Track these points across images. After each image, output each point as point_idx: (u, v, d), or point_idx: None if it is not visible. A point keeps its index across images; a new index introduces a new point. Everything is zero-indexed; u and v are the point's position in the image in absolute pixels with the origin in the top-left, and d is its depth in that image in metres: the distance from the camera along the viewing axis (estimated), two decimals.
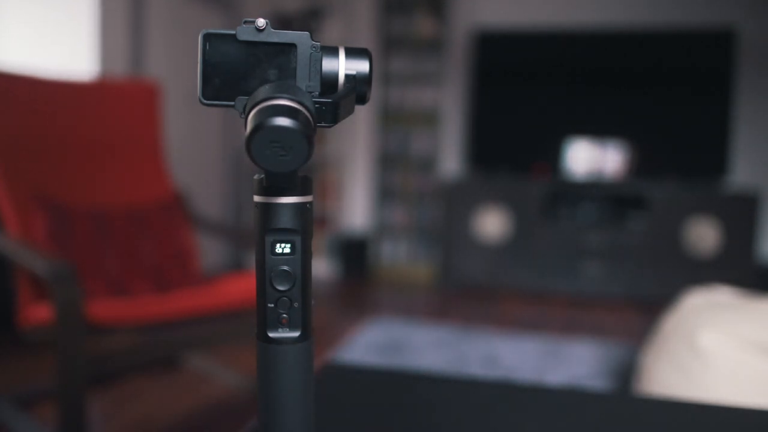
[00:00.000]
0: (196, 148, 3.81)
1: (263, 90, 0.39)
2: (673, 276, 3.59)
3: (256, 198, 0.44)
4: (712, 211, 3.52)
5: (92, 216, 1.88)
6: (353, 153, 4.42)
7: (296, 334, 0.45)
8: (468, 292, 3.87)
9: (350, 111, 0.43)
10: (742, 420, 0.70)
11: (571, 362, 2.49)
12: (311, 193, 0.45)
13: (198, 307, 1.61)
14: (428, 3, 4.14)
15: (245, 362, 2.36)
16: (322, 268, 4.36)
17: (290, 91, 0.38)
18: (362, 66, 0.43)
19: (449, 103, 4.29)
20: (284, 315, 0.45)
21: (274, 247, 0.44)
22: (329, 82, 0.43)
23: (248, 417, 1.91)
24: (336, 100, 0.41)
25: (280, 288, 0.45)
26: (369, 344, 2.63)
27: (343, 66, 0.43)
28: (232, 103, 0.42)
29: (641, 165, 3.81)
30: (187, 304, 1.61)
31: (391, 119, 4.26)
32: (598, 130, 3.89)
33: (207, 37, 0.41)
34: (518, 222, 3.78)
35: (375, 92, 4.26)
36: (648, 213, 3.61)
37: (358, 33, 4.25)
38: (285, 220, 0.44)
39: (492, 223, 3.79)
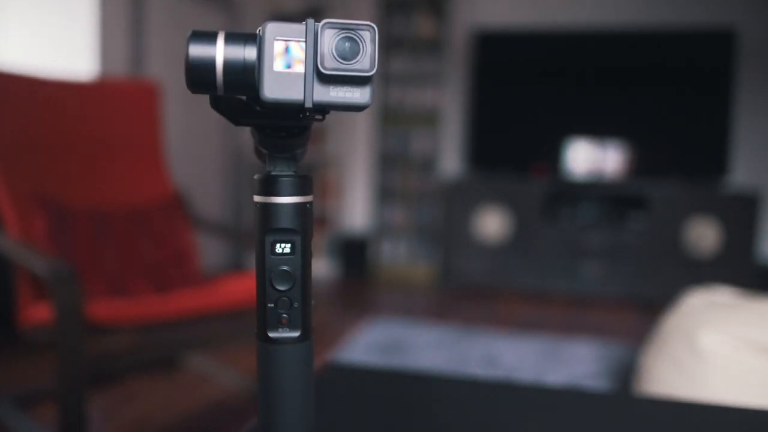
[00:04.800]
0: (196, 148, 3.81)
1: None
2: (673, 276, 3.59)
3: (256, 198, 0.44)
4: (712, 211, 3.52)
5: (92, 216, 1.88)
6: (353, 153, 4.42)
7: (296, 334, 0.45)
8: (468, 292, 3.86)
9: None
10: (742, 420, 0.70)
11: (571, 362, 2.49)
12: (311, 193, 0.46)
13: (198, 307, 1.61)
14: (428, 3, 4.14)
15: (245, 362, 2.36)
16: (322, 268, 4.36)
17: None
18: None
19: (449, 103, 4.29)
20: (284, 315, 0.45)
21: (274, 247, 0.44)
22: None
23: (248, 417, 1.91)
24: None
25: (280, 288, 0.45)
26: (369, 344, 2.63)
27: None
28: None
29: (641, 165, 3.81)
30: (187, 304, 1.61)
31: (391, 119, 4.26)
32: (598, 130, 3.89)
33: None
34: (518, 222, 3.78)
35: (375, 92, 4.25)
36: (648, 213, 3.61)
37: None
38: (285, 220, 0.44)
39: (492, 223, 3.79)
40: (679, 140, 3.77)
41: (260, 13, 4.33)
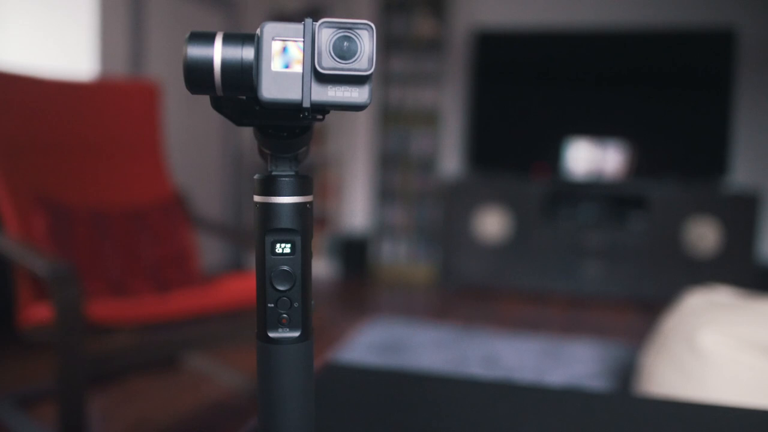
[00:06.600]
0: (196, 148, 3.81)
1: None
2: (673, 276, 3.59)
3: (256, 198, 0.45)
4: (712, 211, 3.52)
5: (92, 216, 1.88)
6: (353, 153, 4.42)
7: (296, 334, 0.45)
8: (468, 292, 3.86)
9: None
10: (742, 420, 0.70)
11: (571, 362, 2.49)
12: (311, 193, 0.46)
13: (198, 307, 1.61)
14: (428, 3, 4.14)
15: (245, 362, 2.36)
16: (322, 268, 4.36)
17: None
18: None
19: (449, 103, 4.29)
20: (284, 315, 0.45)
21: (274, 247, 0.44)
22: None
23: (248, 417, 1.91)
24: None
25: (280, 288, 0.45)
26: (369, 344, 2.63)
27: None
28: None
29: (641, 165, 3.81)
30: (187, 304, 1.61)
31: (391, 119, 4.26)
32: (598, 130, 3.89)
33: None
34: (518, 222, 3.78)
35: (375, 92, 4.26)
36: (648, 213, 3.61)
37: None
38: (285, 220, 0.44)
39: (492, 223, 3.79)
40: (679, 140, 3.77)
41: (260, 13, 4.33)
